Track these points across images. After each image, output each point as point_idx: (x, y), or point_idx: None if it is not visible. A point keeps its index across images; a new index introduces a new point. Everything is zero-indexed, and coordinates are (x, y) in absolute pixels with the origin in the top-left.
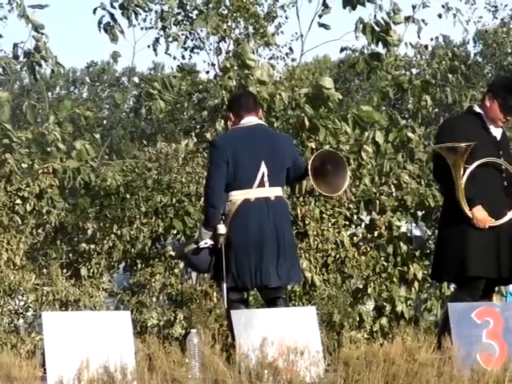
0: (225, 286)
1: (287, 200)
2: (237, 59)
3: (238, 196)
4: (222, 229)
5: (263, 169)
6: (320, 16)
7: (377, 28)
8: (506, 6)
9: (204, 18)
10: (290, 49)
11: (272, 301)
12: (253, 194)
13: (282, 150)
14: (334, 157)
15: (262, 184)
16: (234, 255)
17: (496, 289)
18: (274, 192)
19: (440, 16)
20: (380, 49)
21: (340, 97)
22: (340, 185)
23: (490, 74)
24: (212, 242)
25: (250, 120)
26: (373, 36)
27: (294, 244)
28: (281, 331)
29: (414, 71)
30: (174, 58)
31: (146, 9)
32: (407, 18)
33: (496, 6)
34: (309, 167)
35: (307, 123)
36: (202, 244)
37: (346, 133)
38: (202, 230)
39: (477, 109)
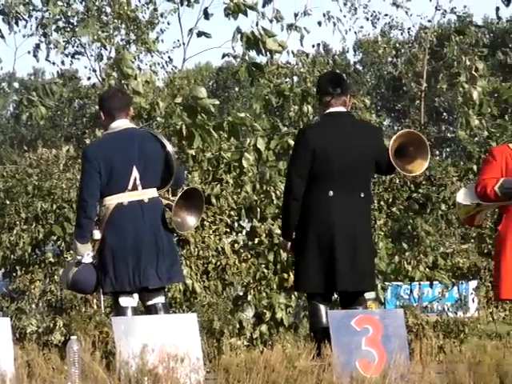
0: (101, 291)
1: (162, 199)
2: (115, 67)
3: (111, 201)
4: (97, 234)
5: (135, 173)
6: (196, 23)
7: (252, 38)
8: (386, 15)
9: (85, 26)
10: (169, 58)
11: (152, 306)
12: (126, 197)
13: (151, 150)
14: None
15: (134, 187)
16: (112, 259)
17: (374, 296)
18: (148, 194)
19: (320, 24)
20: (262, 57)
21: (217, 102)
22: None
23: (370, 83)
24: (93, 254)
25: (119, 124)
26: (248, 46)
27: (172, 244)
28: (161, 338)
29: (296, 79)
30: (53, 63)
31: (27, 17)
32: (289, 26)
33: (376, 16)
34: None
35: (184, 131)
36: (85, 258)
37: (227, 139)
38: (78, 245)
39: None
